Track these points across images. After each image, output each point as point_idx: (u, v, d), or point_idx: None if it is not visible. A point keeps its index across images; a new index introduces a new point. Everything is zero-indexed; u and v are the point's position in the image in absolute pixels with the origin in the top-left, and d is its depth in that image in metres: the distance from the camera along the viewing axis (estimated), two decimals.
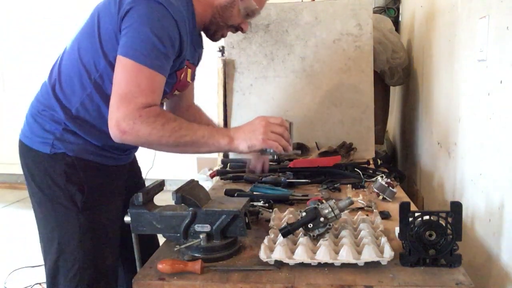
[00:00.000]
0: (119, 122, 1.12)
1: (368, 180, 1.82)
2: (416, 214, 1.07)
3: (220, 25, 1.36)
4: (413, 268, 1.06)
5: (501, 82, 1.23)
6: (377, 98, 2.45)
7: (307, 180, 1.83)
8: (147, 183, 1.33)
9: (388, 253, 1.06)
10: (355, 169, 1.93)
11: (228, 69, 2.42)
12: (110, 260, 1.34)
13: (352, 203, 1.18)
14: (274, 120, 1.23)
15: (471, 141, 1.50)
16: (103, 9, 1.24)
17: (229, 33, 1.43)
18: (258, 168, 1.60)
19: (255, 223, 1.38)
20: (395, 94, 3.26)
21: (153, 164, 3.45)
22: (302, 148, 2.26)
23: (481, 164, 1.39)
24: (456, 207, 1.06)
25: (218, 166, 2.36)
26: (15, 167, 1.76)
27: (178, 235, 1.17)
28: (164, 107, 1.55)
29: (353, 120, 2.35)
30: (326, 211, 1.15)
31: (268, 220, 1.35)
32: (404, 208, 1.08)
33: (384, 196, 1.59)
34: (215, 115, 2.41)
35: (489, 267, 1.31)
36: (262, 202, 1.52)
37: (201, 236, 1.14)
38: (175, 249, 1.16)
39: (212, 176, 2.04)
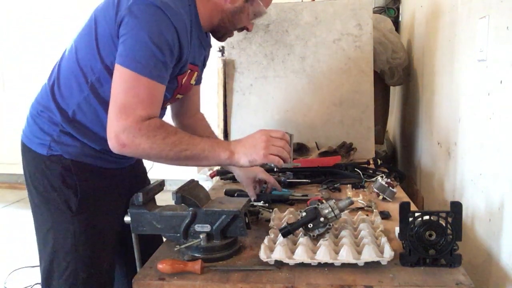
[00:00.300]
0: (118, 135, 1.10)
1: (368, 180, 1.82)
2: (416, 214, 1.07)
3: (229, 29, 1.36)
4: (413, 268, 1.06)
5: (501, 82, 1.23)
6: (377, 98, 2.45)
7: (307, 180, 1.83)
8: None
9: (388, 253, 1.06)
10: (355, 169, 1.93)
11: (228, 69, 2.42)
12: (106, 264, 1.33)
13: (352, 203, 1.19)
14: (275, 134, 1.21)
15: (471, 141, 1.50)
16: (101, 12, 1.23)
17: None
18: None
19: (255, 223, 1.38)
20: (395, 94, 3.26)
21: (153, 164, 3.44)
22: (302, 148, 2.26)
23: (481, 164, 1.39)
24: (456, 207, 1.06)
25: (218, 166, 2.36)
26: (15, 167, 1.76)
27: (178, 235, 1.17)
28: (169, 109, 1.55)
29: (353, 120, 2.35)
30: (326, 211, 1.15)
31: (268, 220, 1.35)
32: (404, 208, 1.08)
33: (384, 196, 1.59)
34: (215, 115, 2.41)
35: (489, 267, 1.31)
36: (262, 202, 1.52)
37: (201, 236, 1.14)
38: (175, 249, 1.16)
39: (212, 176, 2.04)
